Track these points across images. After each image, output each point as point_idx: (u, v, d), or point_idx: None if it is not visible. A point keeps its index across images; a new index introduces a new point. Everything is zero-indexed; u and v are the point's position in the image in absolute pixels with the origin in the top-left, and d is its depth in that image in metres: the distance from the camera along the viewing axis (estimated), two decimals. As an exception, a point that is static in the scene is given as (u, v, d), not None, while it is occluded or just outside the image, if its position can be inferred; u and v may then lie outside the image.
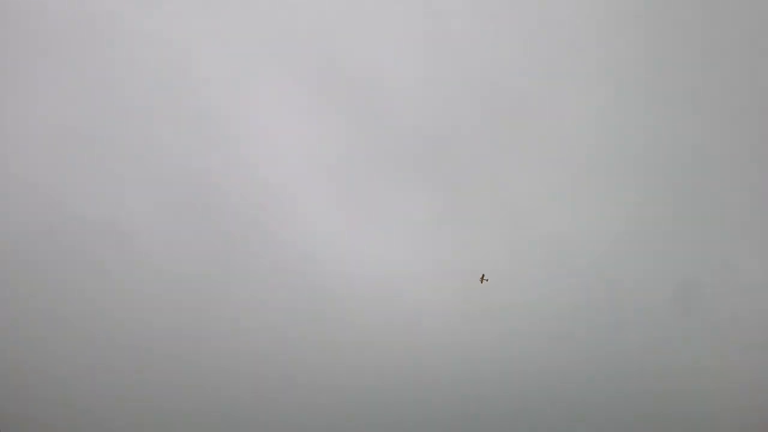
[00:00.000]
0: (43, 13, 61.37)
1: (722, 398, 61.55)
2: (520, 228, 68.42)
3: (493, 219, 68.86)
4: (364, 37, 68.36)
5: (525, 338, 64.19)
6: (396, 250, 66.70)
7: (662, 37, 68.60)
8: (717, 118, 69.21)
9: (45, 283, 59.35)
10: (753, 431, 60.34)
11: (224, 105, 64.95)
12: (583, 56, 69.10)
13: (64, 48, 61.61)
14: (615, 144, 68.92)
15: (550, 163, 68.74)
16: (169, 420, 57.63)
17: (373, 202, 68.47)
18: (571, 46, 69.02)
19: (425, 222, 68.20)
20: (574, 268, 67.06)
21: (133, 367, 58.37)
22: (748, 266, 64.77)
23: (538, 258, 67.49)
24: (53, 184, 61.66)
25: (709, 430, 60.70)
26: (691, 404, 61.62)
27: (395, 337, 63.54)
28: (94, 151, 62.94)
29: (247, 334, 61.65)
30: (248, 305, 62.73)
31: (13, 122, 61.65)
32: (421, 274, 66.17)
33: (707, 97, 69.24)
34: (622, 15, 68.07)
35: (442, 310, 64.94)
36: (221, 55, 64.10)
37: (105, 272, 60.92)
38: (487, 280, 63.50)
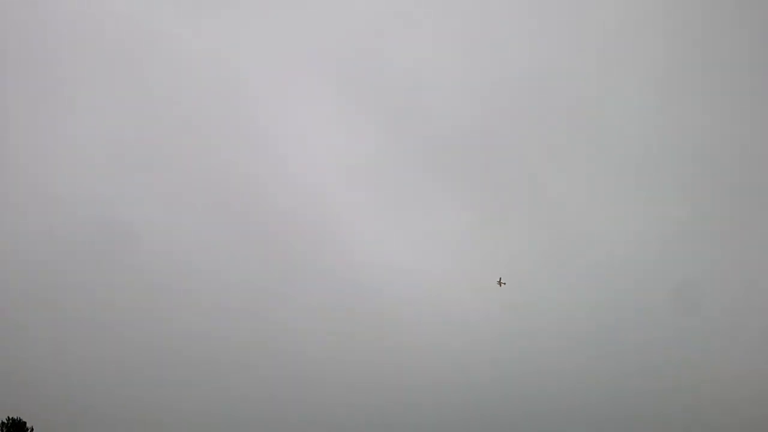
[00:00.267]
0: (100, 33, 65.22)
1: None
2: (561, 230, 68.59)
3: (532, 221, 69.04)
4: (400, 43, 69.27)
5: (565, 339, 64.42)
6: (434, 253, 68.21)
7: (711, 39, 66.64)
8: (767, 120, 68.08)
9: (99, 288, 62.81)
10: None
11: (266, 116, 68.31)
12: (627, 57, 68.11)
13: (118, 66, 65.40)
14: (659, 145, 68.82)
15: (592, 164, 69.44)
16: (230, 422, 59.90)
17: (411, 206, 69.93)
18: (615, 47, 67.96)
19: (463, 225, 69.19)
20: (616, 270, 67.01)
21: (186, 368, 60.63)
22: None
23: (578, 260, 67.44)
24: (108, 196, 65.19)
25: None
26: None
27: (432, 338, 64.29)
28: (146, 163, 66.45)
29: (288, 333, 63.44)
30: (289, 305, 64.79)
31: (70, 134, 65.57)
32: (458, 277, 67.08)
33: (757, 99, 67.86)
34: (669, 16, 66.13)
35: (478, 312, 65.52)
36: (264, 69, 66.62)
37: (153, 275, 63.90)
38: (504, 284, 63.50)
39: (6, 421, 45.71)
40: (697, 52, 69.22)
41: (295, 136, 69.92)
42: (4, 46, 63.48)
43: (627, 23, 69.92)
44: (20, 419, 46.08)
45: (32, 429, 46.33)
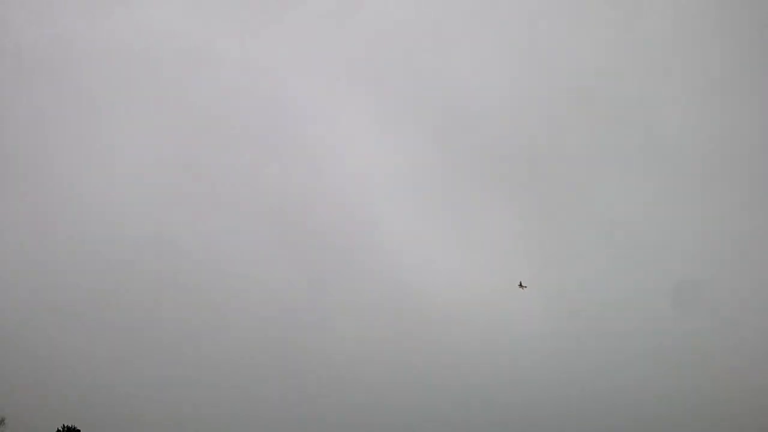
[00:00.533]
0: (143, 49, 65.07)
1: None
2: (617, 238, 65.66)
3: (580, 227, 67.00)
4: (442, 52, 68.68)
5: (615, 344, 61.36)
6: (486, 265, 65.24)
7: (765, 43, 65.86)
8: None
9: (142, 306, 61.40)
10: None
11: (310, 128, 66.97)
12: (676, 60, 67.08)
13: (162, 81, 65.44)
14: (717, 151, 66.19)
15: (648, 170, 66.28)
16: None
17: (457, 215, 68.04)
18: (663, 50, 67.06)
19: (510, 233, 66.79)
20: (671, 277, 63.74)
21: (236, 375, 59.40)
22: None
23: (635, 268, 64.53)
24: (153, 211, 64.43)
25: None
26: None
27: (481, 345, 62.00)
28: (190, 177, 66.01)
29: (339, 343, 61.72)
30: (336, 314, 63.04)
31: (114, 153, 65.49)
32: (506, 285, 64.43)
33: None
34: (722, 17, 65.80)
35: (527, 319, 63.02)
36: (306, 80, 66.30)
37: (200, 288, 62.53)
38: (525, 287, 61.48)
39: (62, 429, 46.10)
40: (753, 54, 67.58)
41: (339, 146, 68.83)
42: (47, 61, 64.00)
43: (677, 26, 69.02)
44: (74, 427, 46.59)
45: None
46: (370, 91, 68.67)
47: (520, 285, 61.26)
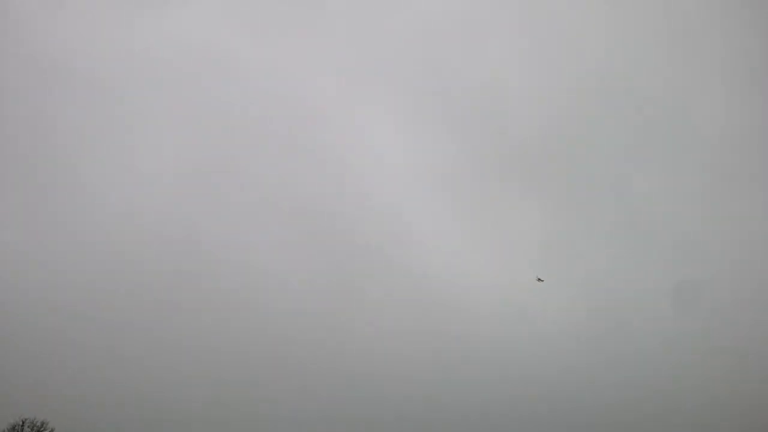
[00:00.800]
0: (170, 57, 65.50)
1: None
2: (647, 234, 65.03)
3: (616, 226, 65.95)
4: (470, 51, 67.88)
5: (652, 341, 60.76)
6: (515, 262, 65.10)
7: None
8: None
9: (175, 311, 61.98)
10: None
11: (336, 131, 66.66)
12: (709, 51, 65.46)
13: (190, 89, 65.68)
14: (751, 146, 65.00)
15: (679, 165, 65.31)
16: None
17: (489, 215, 67.48)
18: (695, 41, 65.47)
19: (544, 232, 66.40)
20: (704, 273, 62.85)
21: (270, 382, 59.70)
22: None
23: (665, 265, 63.70)
24: (182, 217, 65.06)
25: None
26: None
27: (514, 346, 61.76)
28: (219, 183, 66.33)
29: (369, 341, 61.62)
30: (367, 318, 62.71)
31: (143, 159, 65.82)
32: (538, 285, 64.48)
33: None
34: (755, 7, 63.94)
35: (561, 317, 62.59)
36: (333, 83, 65.90)
37: (230, 294, 62.73)
38: (542, 280, 60.99)
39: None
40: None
41: (366, 146, 68.59)
42: (73, 70, 63.62)
43: (709, 16, 67.19)
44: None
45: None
46: (395, 91, 68.34)
47: (538, 279, 60.79)
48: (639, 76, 66.95)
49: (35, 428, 46.93)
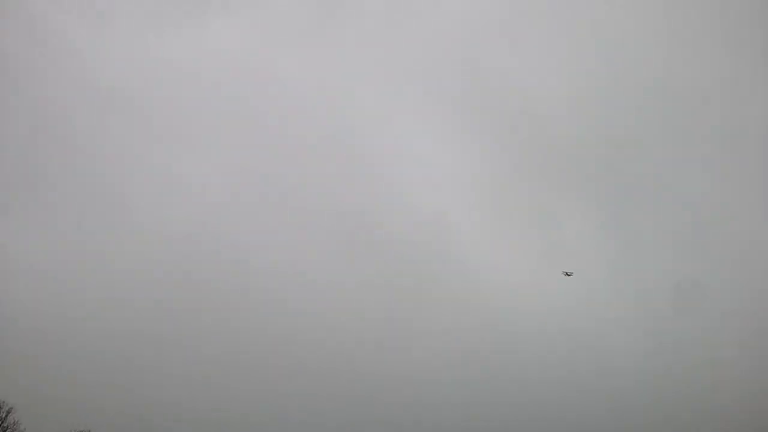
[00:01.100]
0: (207, 72, 66.19)
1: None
2: (704, 235, 62.99)
3: (656, 223, 63.95)
4: (507, 55, 66.69)
5: (706, 348, 58.65)
6: (556, 263, 63.54)
7: None
8: None
9: (223, 321, 61.77)
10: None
11: (376, 141, 66.44)
12: (750, 41, 62.77)
13: (229, 99, 66.60)
14: None
15: (733, 163, 63.13)
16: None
17: (535, 220, 66.18)
18: (736, 32, 62.96)
19: (592, 237, 65.14)
20: (760, 269, 60.74)
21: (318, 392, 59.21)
22: None
23: (725, 267, 61.88)
24: (223, 230, 65.25)
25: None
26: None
27: (561, 353, 60.56)
28: (261, 192, 66.42)
29: (412, 358, 60.75)
30: (413, 328, 61.98)
31: (187, 174, 66.65)
32: (592, 292, 62.93)
33: None
34: None
35: (615, 326, 60.82)
36: (371, 92, 65.84)
37: (275, 302, 62.75)
38: (570, 274, 59.08)
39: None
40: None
41: (407, 157, 68.26)
42: (118, 90, 65.19)
43: (745, 9, 64.25)
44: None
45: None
46: (435, 99, 67.85)
47: (566, 273, 59.19)
48: (681, 77, 64.92)
49: None
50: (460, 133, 65.65)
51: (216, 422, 56.27)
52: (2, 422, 44.62)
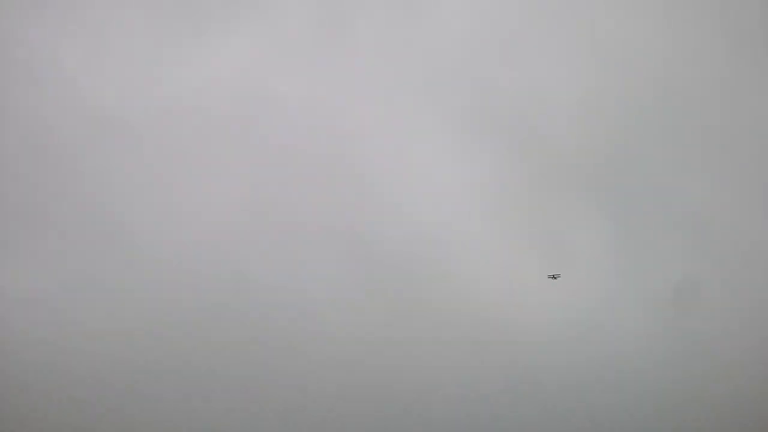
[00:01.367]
0: (206, 95, 64.88)
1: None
2: (708, 240, 63.06)
3: (677, 235, 64.01)
4: (511, 60, 66.31)
5: (724, 357, 58.64)
6: (573, 280, 62.88)
7: None
8: None
9: (234, 353, 61.08)
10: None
11: (378, 157, 65.27)
12: (755, 50, 63.41)
13: (231, 124, 65.45)
14: None
15: (735, 168, 63.34)
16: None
17: (542, 233, 65.59)
18: (741, 41, 63.50)
19: (600, 247, 64.45)
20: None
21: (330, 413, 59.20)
22: None
23: (730, 270, 61.93)
24: (230, 255, 64.12)
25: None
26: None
27: (581, 371, 60.08)
28: (264, 218, 64.93)
29: (420, 379, 60.37)
30: (419, 351, 61.30)
31: (191, 200, 65.25)
32: (602, 303, 62.44)
33: None
34: None
35: (627, 337, 60.66)
36: (376, 107, 64.70)
37: (280, 327, 62.02)
38: (556, 277, 60.18)
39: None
40: None
41: (406, 172, 67.43)
42: (118, 119, 64.40)
43: (746, 11, 65.08)
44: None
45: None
46: (436, 110, 67.03)
47: (553, 276, 59.94)
48: (682, 79, 65.16)
49: None
50: (461, 143, 65.05)
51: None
52: None
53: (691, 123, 66.08)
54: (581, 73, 66.98)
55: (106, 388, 58.24)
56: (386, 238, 65.05)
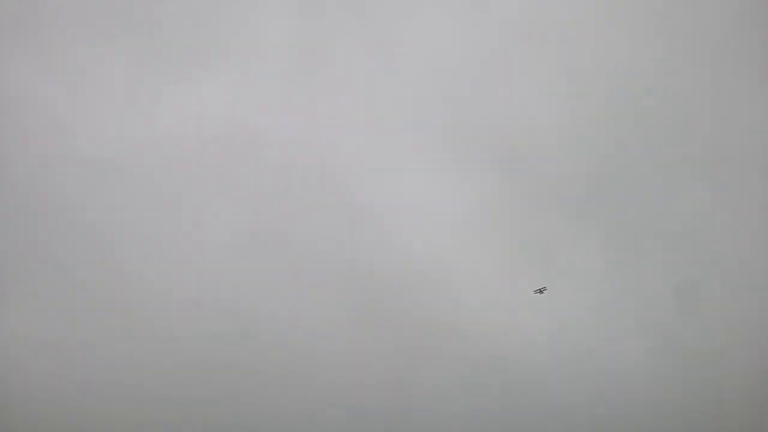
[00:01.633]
0: (196, 134, 65.29)
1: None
2: (703, 257, 62.79)
3: (667, 247, 63.89)
4: (495, 84, 65.95)
5: (724, 381, 58.29)
6: (569, 303, 62.95)
7: None
8: None
9: (234, 387, 61.52)
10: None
11: (368, 188, 64.97)
12: (739, 57, 62.99)
13: (221, 162, 65.27)
14: None
15: (728, 181, 62.82)
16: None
17: (537, 255, 65.41)
18: (722, 48, 63.08)
19: (595, 268, 64.26)
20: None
21: None
22: None
23: (728, 288, 61.41)
24: (227, 286, 64.42)
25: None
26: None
27: (579, 397, 59.95)
28: (256, 252, 65.00)
29: (429, 419, 60.58)
30: (419, 387, 61.77)
31: (178, 236, 65.41)
32: (597, 325, 62.32)
33: None
34: None
35: (626, 361, 60.57)
36: (362, 139, 64.69)
37: (283, 363, 62.21)
38: (542, 291, 60.37)
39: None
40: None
41: (403, 209, 67.11)
42: (108, 160, 65.22)
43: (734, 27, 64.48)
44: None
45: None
46: (421, 138, 67.14)
47: (540, 291, 59.96)
48: (674, 96, 64.69)
49: None
50: (451, 172, 64.64)
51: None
52: None
53: (679, 138, 65.76)
54: (566, 97, 66.69)
55: (114, 420, 58.83)
56: (377, 263, 65.20)
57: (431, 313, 63.17)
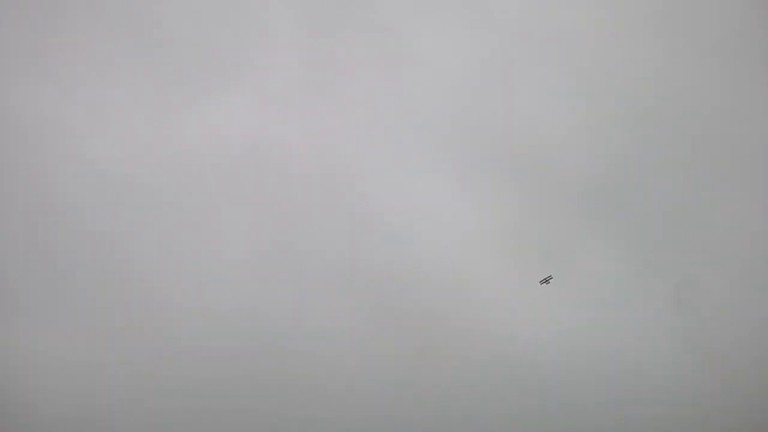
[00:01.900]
0: (214, 149, 66.12)
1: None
2: (709, 250, 61.95)
3: (679, 246, 63.30)
4: (511, 92, 66.47)
5: (730, 368, 57.35)
6: (591, 310, 61.93)
7: None
8: None
9: (257, 399, 60.87)
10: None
11: (388, 201, 65.77)
12: (751, 57, 63.15)
13: (232, 177, 66.61)
14: None
15: (735, 179, 62.38)
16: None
17: (555, 262, 64.51)
18: (735, 47, 63.12)
19: (599, 268, 63.68)
20: None
21: None
22: None
23: (732, 280, 60.31)
24: (250, 302, 64.66)
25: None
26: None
27: (603, 409, 58.37)
28: (287, 260, 65.86)
29: (435, 401, 60.09)
30: (440, 401, 60.70)
31: (200, 252, 66.17)
32: (623, 335, 61.05)
33: None
34: None
35: (635, 361, 59.63)
36: (377, 152, 65.42)
37: (298, 374, 61.64)
38: (548, 281, 59.48)
39: None
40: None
41: (413, 216, 67.67)
42: (128, 177, 64.55)
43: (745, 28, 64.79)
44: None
45: None
46: (439, 149, 67.51)
47: (545, 280, 59.23)
48: (674, 97, 64.96)
49: None
50: (472, 183, 65.09)
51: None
52: None
53: (686, 134, 65.74)
54: (568, 92, 67.06)
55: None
56: (393, 270, 65.05)
57: (450, 321, 62.48)
